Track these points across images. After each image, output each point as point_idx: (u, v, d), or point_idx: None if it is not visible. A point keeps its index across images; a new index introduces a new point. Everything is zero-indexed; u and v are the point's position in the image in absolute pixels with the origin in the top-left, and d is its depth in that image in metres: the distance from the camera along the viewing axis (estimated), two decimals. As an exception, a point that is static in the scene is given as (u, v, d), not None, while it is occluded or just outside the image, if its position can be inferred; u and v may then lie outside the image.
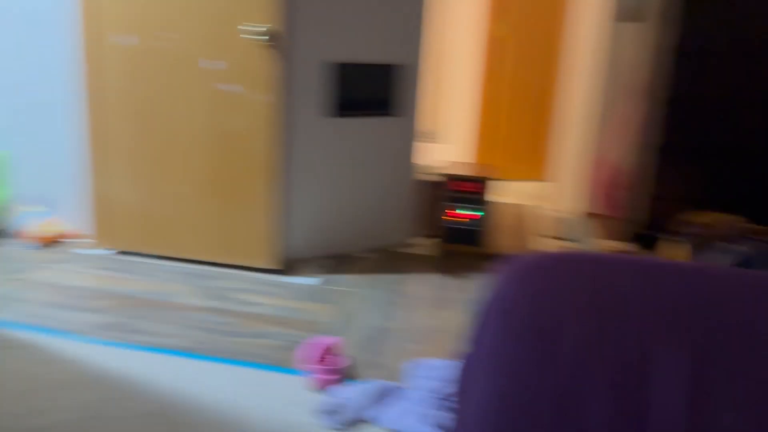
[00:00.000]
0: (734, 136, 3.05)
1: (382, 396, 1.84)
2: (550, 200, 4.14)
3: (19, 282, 2.55)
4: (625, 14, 3.49)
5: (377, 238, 3.16)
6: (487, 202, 3.02)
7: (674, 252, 2.89)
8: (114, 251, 2.92)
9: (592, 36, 3.70)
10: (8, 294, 2.44)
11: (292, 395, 1.87)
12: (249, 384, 1.92)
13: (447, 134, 4.92)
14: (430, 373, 1.95)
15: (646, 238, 3.17)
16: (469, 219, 3.05)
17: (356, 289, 2.68)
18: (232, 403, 1.82)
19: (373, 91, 2.94)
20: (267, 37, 2.52)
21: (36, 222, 2.92)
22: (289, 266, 2.88)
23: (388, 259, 3.06)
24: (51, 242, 2.92)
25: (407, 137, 3.09)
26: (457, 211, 3.05)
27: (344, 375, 1.99)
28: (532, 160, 4.78)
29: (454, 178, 3.03)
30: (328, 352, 2.04)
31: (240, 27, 2.53)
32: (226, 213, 2.75)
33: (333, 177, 2.94)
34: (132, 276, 2.68)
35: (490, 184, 3.00)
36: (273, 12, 2.50)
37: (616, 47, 3.57)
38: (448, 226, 3.07)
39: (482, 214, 3.04)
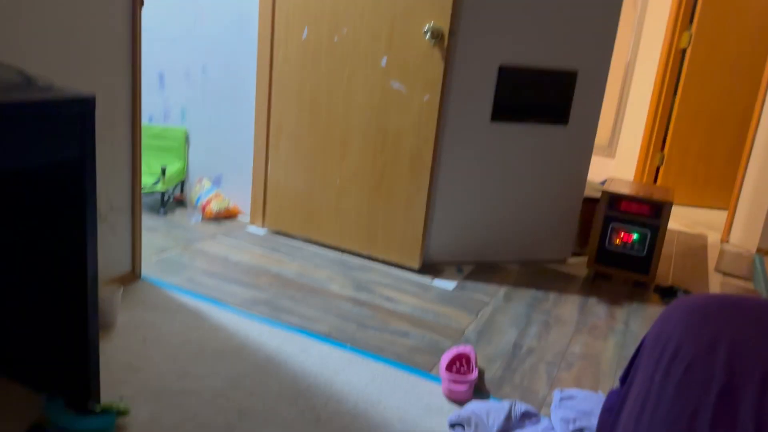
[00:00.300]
0: None
1: (515, 418, 1.76)
2: (727, 232, 3.74)
3: (187, 250, 2.78)
4: None
5: (526, 250, 3.05)
6: (658, 227, 2.77)
7: None
8: (269, 231, 3.09)
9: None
10: (178, 260, 2.66)
11: (428, 401, 1.85)
12: (386, 381, 1.93)
13: (621, 149, 4.62)
14: (570, 403, 1.84)
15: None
16: (634, 243, 2.83)
17: (497, 301, 2.61)
18: (367, 398, 1.84)
19: (543, 98, 2.83)
20: (438, 38, 2.51)
21: (204, 196, 3.17)
22: (430, 267, 2.87)
23: (535, 274, 2.94)
24: (215, 216, 3.15)
25: (578, 149, 2.94)
26: (623, 234, 2.83)
27: (474, 387, 1.94)
28: (711, 186, 4.36)
29: (624, 198, 2.81)
30: (461, 360, 1.99)
31: (419, 26, 2.54)
32: (380, 207, 2.80)
33: (488, 182, 2.87)
34: (286, 257, 2.82)
35: (665, 209, 2.75)
36: (446, 13, 2.48)
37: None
38: (609, 249, 2.87)
39: (649, 239, 2.80)
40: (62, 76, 1.98)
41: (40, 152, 1.34)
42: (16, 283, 1.64)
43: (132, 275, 2.42)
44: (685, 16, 4.10)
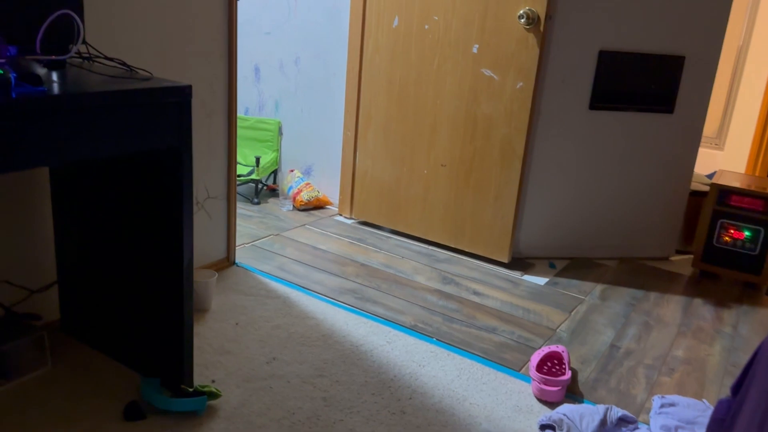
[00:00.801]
0: None
1: (610, 424, 1.66)
2: None
3: (278, 238, 2.84)
4: None
5: (626, 246, 2.89)
6: (768, 224, 2.55)
7: None
8: (356, 221, 3.10)
9: None
10: (270, 248, 2.72)
11: (517, 401, 1.79)
12: (473, 378, 1.88)
13: (731, 141, 4.30)
14: (671, 410, 1.72)
15: None
16: (745, 241, 2.62)
17: (592, 299, 2.48)
18: (453, 394, 1.80)
19: (647, 84, 2.66)
20: (533, 22, 2.41)
21: (296, 185, 3.22)
22: (520, 261, 2.78)
23: (634, 271, 2.78)
24: (305, 205, 3.19)
25: (684, 139, 2.75)
26: (733, 231, 2.63)
27: (566, 389, 1.85)
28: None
29: (735, 192, 2.61)
30: (553, 360, 1.91)
31: (513, 11, 2.45)
32: (468, 198, 2.74)
33: (584, 174, 2.74)
34: (372, 247, 2.81)
35: (774, 203, 2.53)
36: (543, -4, 2.38)
37: None
38: (717, 246, 2.67)
39: (762, 237, 2.58)
40: (161, 68, 2.05)
41: (139, 140, 1.39)
42: (116, 266, 1.72)
43: (226, 261, 2.50)
44: (810, -6, 3.73)
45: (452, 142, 2.72)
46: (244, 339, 1.99)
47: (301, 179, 3.25)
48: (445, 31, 2.63)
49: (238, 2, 2.28)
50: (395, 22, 2.74)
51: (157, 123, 1.42)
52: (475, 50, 2.58)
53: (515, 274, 2.65)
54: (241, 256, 2.60)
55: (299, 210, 3.20)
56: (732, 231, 2.64)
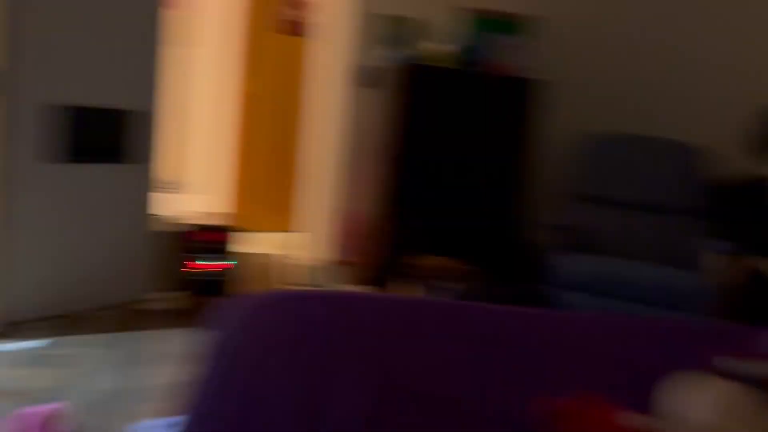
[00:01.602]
0: (446, 193, 3.54)
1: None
2: (299, 250, 4.32)
3: None
4: (364, 81, 3.88)
5: (113, 293, 2.99)
6: (232, 252, 3.05)
7: (403, 291, 3.23)
8: None
9: (334, 96, 4.03)
10: None
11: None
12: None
13: (194, 185, 4.86)
14: None
15: (381, 281, 3.50)
16: (214, 269, 3.06)
17: (87, 350, 2.50)
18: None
19: (104, 138, 2.83)
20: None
21: None
22: (12, 328, 2.57)
23: (126, 316, 2.91)
24: None
25: (142, 186, 3.01)
26: (199, 262, 3.03)
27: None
28: (281, 212, 4.95)
29: (195, 228, 3.01)
30: (48, 421, 1.87)
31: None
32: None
33: (61, 229, 2.74)
34: None
35: (234, 233, 3.05)
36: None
37: (356, 108, 3.93)
38: (193, 278, 3.03)
39: (226, 263, 3.07)
40: None
41: None
42: None
43: None
44: (243, 62, 4.60)
45: None
46: None
47: None
48: None
49: None
50: None
51: None
52: None
53: (4, 344, 2.44)
54: None
55: None
56: (200, 263, 3.05)
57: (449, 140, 3.48)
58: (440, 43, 3.55)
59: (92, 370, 2.34)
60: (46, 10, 2.52)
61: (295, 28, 4.77)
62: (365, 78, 3.88)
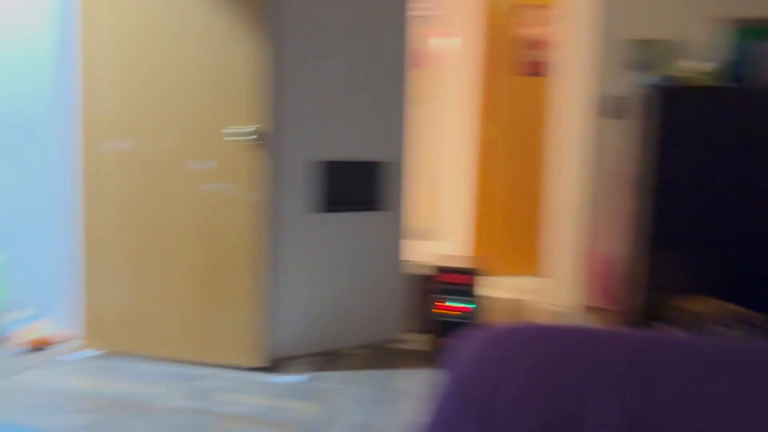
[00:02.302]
0: (719, 224, 3.07)
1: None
2: (547, 295, 4.11)
3: (6, 385, 2.52)
4: (607, 112, 3.64)
5: (367, 333, 3.13)
6: (479, 294, 3.00)
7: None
8: (102, 353, 2.90)
9: (577, 132, 3.83)
10: (-11, 399, 2.40)
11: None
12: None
13: (441, 231, 4.98)
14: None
15: (638, 327, 3.13)
16: (460, 311, 3.03)
17: (344, 386, 2.63)
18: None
19: (359, 188, 3.03)
20: (254, 137, 2.64)
21: (26, 325, 2.93)
22: (276, 364, 2.84)
23: (379, 355, 3.02)
24: (39, 345, 2.90)
25: (394, 232, 3.14)
26: (447, 304, 3.03)
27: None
28: (527, 256, 4.80)
29: (443, 270, 3.03)
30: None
31: (225, 130, 2.65)
32: (213, 312, 2.76)
33: (321, 272, 2.96)
34: (116, 378, 2.64)
35: (481, 276, 3.00)
36: (260, 113, 2.63)
37: (600, 142, 3.69)
38: (441, 320, 3.04)
39: (474, 306, 3.02)
40: None
41: None
42: None
43: (-71, 424, 2.14)
44: (482, 109, 4.65)
45: (192, 256, 2.75)
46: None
47: (33, 318, 2.96)
48: (174, 151, 2.72)
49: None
50: (122, 146, 2.76)
51: None
52: (206, 166, 2.70)
53: (272, 377, 2.69)
54: (-49, 415, 2.25)
55: (31, 351, 2.88)
56: (448, 305, 3.04)
57: (714, 165, 3.04)
58: (696, 62, 3.18)
59: (346, 405, 2.44)
60: (304, 76, 2.83)
61: (534, 69, 4.70)
62: (609, 109, 3.62)
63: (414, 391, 2.60)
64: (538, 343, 0.97)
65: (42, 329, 2.93)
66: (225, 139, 2.66)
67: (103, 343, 2.88)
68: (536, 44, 4.70)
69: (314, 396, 2.52)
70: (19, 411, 2.31)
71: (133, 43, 2.71)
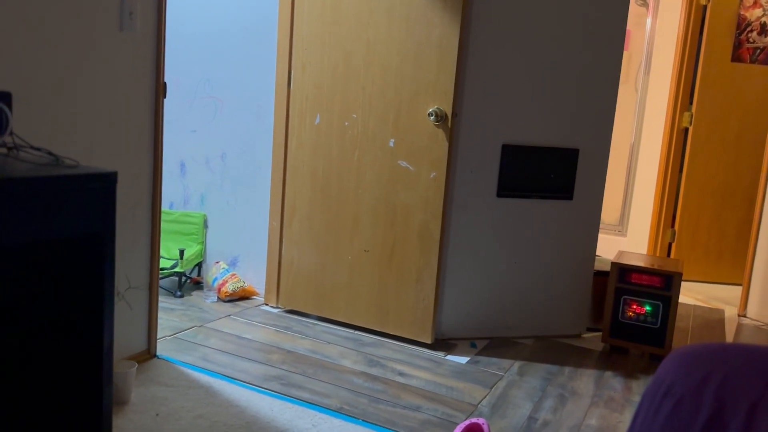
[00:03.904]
0: None
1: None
2: (743, 306, 3.70)
3: (202, 329, 2.82)
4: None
5: (539, 324, 3.04)
6: (670, 298, 2.77)
7: None
8: (283, 309, 3.13)
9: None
10: (193, 339, 2.70)
11: (434, 473, 1.82)
12: (393, 454, 1.90)
13: (632, 228, 4.67)
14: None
15: None
16: (647, 315, 2.83)
17: (511, 375, 2.58)
18: (375, 471, 1.81)
19: (549, 174, 2.92)
20: (442, 120, 2.64)
21: (221, 277, 3.24)
22: (443, 342, 2.86)
23: (549, 348, 2.92)
24: (231, 296, 3.20)
25: (584, 223, 3.00)
26: (635, 306, 2.83)
27: (491, 461, 1.90)
28: (724, 261, 4.35)
29: (634, 270, 2.83)
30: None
31: (424, 110, 2.69)
32: (390, 283, 2.84)
33: (497, 257, 2.92)
34: (298, 334, 2.84)
35: (675, 279, 2.76)
36: (449, 96, 2.63)
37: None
38: (623, 321, 2.86)
39: (662, 311, 2.80)
40: (88, 159, 2.11)
41: (64, 224, 1.43)
42: (31, 356, 1.69)
43: (147, 354, 2.45)
44: (685, 98, 4.25)
45: (374, 228, 2.85)
46: (164, 430, 1.94)
47: (227, 270, 3.27)
48: (364, 127, 2.83)
49: (165, 101, 2.39)
50: (317, 120, 2.93)
51: (83, 208, 1.47)
52: (391, 144, 2.77)
53: (438, 355, 2.73)
54: (162, 348, 2.56)
55: (224, 301, 3.20)
56: (634, 306, 2.84)
57: None
58: None
59: (512, 394, 2.40)
60: (499, 58, 2.77)
61: (758, 56, 4.19)
62: None
63: (581, 390, 2.48)
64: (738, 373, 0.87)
65: (234, 281, 3.23)
66: (419, 118, 2.70)
67: (287, 301, 3.10)
68: (764, 28, 4.18)
69: (481, 380, 2.51)
70: (212, 354, 2.57)
71: (344, 18, 2.83)
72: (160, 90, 2.36)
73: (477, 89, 2.77)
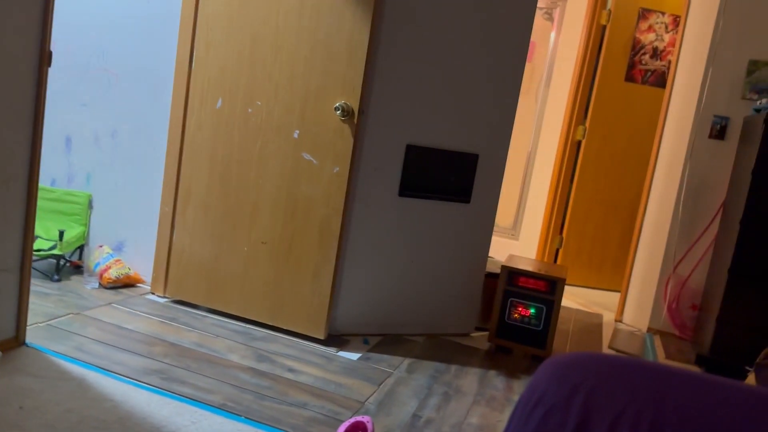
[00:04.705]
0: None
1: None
2: (620, 312, 3.95)
3: (78, 317, 2.65)
4: (715, 133, 3.43)
5: (431, 323, 3.09)
6: (553, 302, 2.91)
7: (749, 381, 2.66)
8: (170, 299, 3.00)
9: (679, 149, 3.63)
10: (68, 327, 2.53)
11: (316, 472, 1.80)
12: (275, 452, 1.87)
13: (524, 232, 4.86)
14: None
15: (708, 362, 2.96)
16: (531, 318, 2.95)
17: (400, 372, 2.61)
18: (255, 470, 1.76)
19: (448, 177, 2.97)
20: (348, 115, 2.62)
21: (104, 262, 3.06)
22: (336, 338, 2.85)
23: (439, 347, 2.98)
24: (114, 283, 3.03)
25: (479, 226, 3.08)
26: (521, 308, 2.95)
27: (373, 460, 1.91)
28: (604, 267, 4.62)
29: (521, 274, 2.95)
30: (358, 431, 1.96)
31: (331, 103, 2.65)
32: (287, 276, 2.79)
33: (395, 255, 2.94)
34: (185, 326, 2.73)
35: (559, 285, 2.90)
36: (356, 92, 2.61)
37: (701, 163, 3.48)
38: (509, 322, 2.97)
39: (546, 314, 2.93)
40: (-46, 128, 1.91)
41: None
42: None
43: (15, 341, 2.27)
44: (580, 112, 4.47)
45: (273, 220, 2.79)
46: (28, 424, 1.80)
47: (111, 255, 3.09)
48: (268, 116, 2.75)
49: (53, 71, 2.21)
50: (218, 104, 2.82)
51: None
52: (296, 135, 2.72)
53: (330, 351, 2.71)
54: (32, 335, 2.38)
55: (106, 288, 3.02)
56: (520, 309, 2.96)
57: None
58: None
59: (399, 391, 2.42)
60: (406, 59, 2.78)
61: (650, 77, 4.47)
62: (717, 129, 3.40)
63: (465, 389, 2.56)
64: (619, 381, 0.91)
65: (118, 267, 3.05)
66: (324, 111, 2.66)
67: (175, 291, 2.97)
68: (656, 52, 4.47)
69: (370, 377, 2.52)
70: (88, 344, 2.42)
71: (250, 4, 2.73)
72: (44, 57, 2.17)
73: (385, 88, 2.77)
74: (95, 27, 3.10)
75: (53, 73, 3.10)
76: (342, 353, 2.71)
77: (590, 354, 1.13)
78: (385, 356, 2.76)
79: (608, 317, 3.96)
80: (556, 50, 4.65)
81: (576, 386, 0.93)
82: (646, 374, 1.04)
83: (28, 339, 2.34)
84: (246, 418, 2.04)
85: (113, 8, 3.07)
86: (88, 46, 3.12)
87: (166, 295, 3.01)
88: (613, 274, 4.62)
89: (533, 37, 4.68)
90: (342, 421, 2.10)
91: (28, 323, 2.42)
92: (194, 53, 2.84)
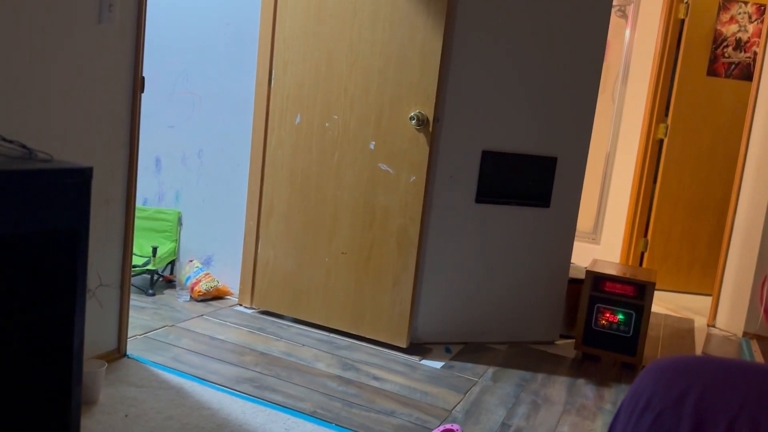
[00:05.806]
0: None
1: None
2: (713, 316, 3.77)
3: (173, 329, 2.77)
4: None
5: (514, 331, 3.05)
6: (643, 307, 2.81)
7: None
8: (257, 310, 3.10)
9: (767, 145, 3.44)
10: (164, 339, 2.65)
11: (408, 479, 1.81)
12: (366, 460, 1.89)
13: (606, 236, 4.72)
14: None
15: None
16: (620, 324, 2.86)
17: (485, 380, 2.59)
18: (348, 476, 1.79)
19: (526, 181, 2.93)
20: (423, 124, 2.64)
21: (194, 276, 3.19)
22: (418, 346, 2.86)
23: (523, 355, 2.93)
24: (204, 296, 3.16)
25: (560, 230, 3.02)
26: (608, 314, 2.86)
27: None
28: (695, 272, 4.43)
29: (608, 279, 2.86)
30: (449, 440, 1.96)
31: (405, 113, 2.68)
32: (367, 286, 2.83)
33: (473, 262, 2.92)
34: (272, 336, 2.81)
35: (648, 289, 2.80)
36: (430, 101, 2.63)
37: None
38: (596, 329, 2.89)
39: (635, 320, 2.83)
40: (62, 152, 2.06)
41: (37, 220, 1.39)
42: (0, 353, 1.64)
43: (117, 353, 2.40)
44: (660, 109, 4.32)
45: (352, 231, 2.84)
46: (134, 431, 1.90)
47: (200, 269, 3.23)
48: (344, 128, 2.81)
49: (142, 95, 2.35)
50: (297, 119, 2.90)
51: (56, 204, 1.43)
52: (372, 146, 2.76)
53: (413, 359, 2.72)
54: (133, 347, 2.51)
55: (197, 301, 3.15)
56: (608, 315, 2.87)
57: None
58: None
59: (486, 400, 2.40)
60: (480, 64, 2.78)
61: (733, 71, 4.27)
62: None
63: (554, 397, 2.50)
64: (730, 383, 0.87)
65: (207, 281, 3.18)
66: (400, 121, 2.69)
67: (261, 302, 3.06)
68: (740, 44, 4.27)
69: (455, 385, 2.51)
70: (183, 354, 2.53)
71: (327, 17, 2.81)
72: (138, 85, 2.31)
73: (459, 95, 2.77)
74: (179, 51, 3.27)
75: (142, 97, 3.28)
76: (425, 362, 2.71)
77: (693, 357, 1.09)
78: (469, 364, 2.74)
79: (699, 322, 3.78)
80: (632, 47, 4.52)
81: (685, 390, 0.90)
82: (755, 378, 0.99)
83: (129, 350, 2.47)
84: (337, 424, 2.08)
85: (195, 33, 3.22)
86: (173, 71, 3.29)
87: (253, 306, 3.11)
88: (702, 276, 4.41)
89: (608, 36, 4.56)
90: (431, 430, 2.11)
91: (128, 336, 2.56)
92: (273, 72, 2.94)
